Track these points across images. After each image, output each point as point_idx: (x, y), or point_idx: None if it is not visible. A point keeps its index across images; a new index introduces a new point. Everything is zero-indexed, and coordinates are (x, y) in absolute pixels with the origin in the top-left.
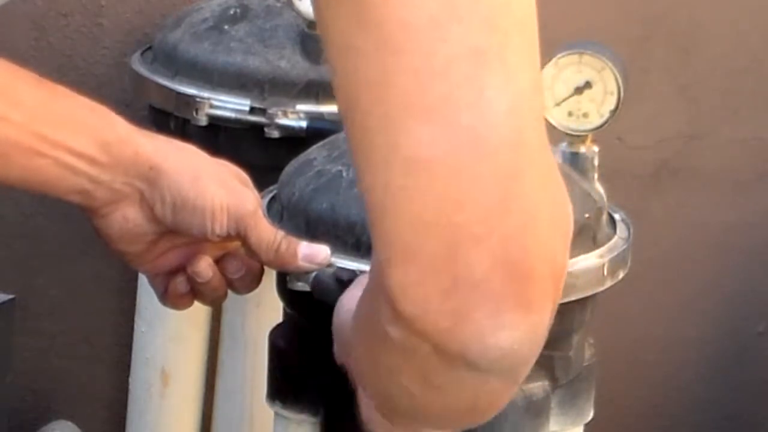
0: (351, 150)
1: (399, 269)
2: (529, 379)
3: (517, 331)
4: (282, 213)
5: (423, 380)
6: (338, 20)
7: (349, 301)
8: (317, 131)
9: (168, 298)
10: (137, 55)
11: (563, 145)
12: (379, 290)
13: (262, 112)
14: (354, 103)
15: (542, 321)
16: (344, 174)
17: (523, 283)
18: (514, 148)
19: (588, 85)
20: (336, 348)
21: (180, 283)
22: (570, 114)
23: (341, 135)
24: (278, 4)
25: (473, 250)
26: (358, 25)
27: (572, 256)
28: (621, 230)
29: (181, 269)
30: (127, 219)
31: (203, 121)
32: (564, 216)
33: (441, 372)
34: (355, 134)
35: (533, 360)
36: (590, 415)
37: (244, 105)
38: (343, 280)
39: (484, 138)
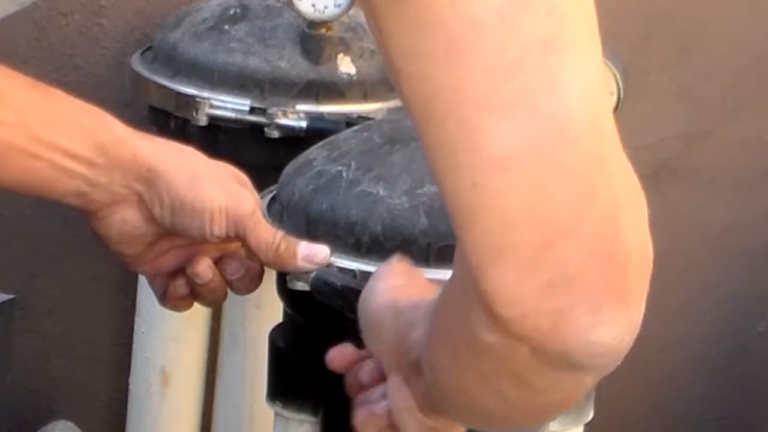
0: (429, 155)
1: (493, 272)
2: None
3: (616, 326)
4: (282, 213)
5: (519, 383)
6: (402, 27)
7: (385, 292)
8: (317, 131)
9: (168, 299)
10: (137, 55)
11: None
12: (469, 299)
13: (262, 112)
14: (428, 110)
15: (639, 312)
16: (344, 174)
17: (617, 274)
18: (594, 135)
19: None
20: (368, 338)
21: (180, 286)
22: None
23: (341, 135)
24: (278, 4)
25: (566, 243)
26: (424, 30)
27: None
28: None
29: (180, 270)
30: (125, 221)
31: (203, 121)
32: (643, 201)
33: (540, 373)
34: (432, 140)
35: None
36: (590, 415)
37: (244, 105)
38: (343, 284)
39: (565, 126)
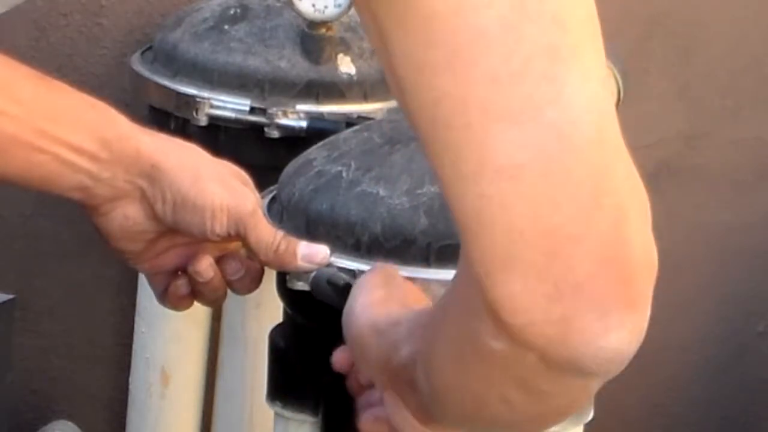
0: (434, 166)
1: (500, 281)
2: None
3: (624, 331)
4: (282, 213)
5: (526, 389)
6: (405, 37)
7: (365, 310)
8: (317, 131)
9: (168, 299)
10: (137, 55)
11: None
12: (475, 307)
13: (262, 112)
14: (432, 118)
15: (645, 316)
16: (344, 174)
17: (625, 280)
18: (599, 142)
19: None
20: (360, 362)
21: (181, 286)
22: None
23: (341, 135)
24: (278, 4)
25: (573, 251)
26: (428, 40)
27: None
28: None
29: (180, 269)
30: (127, 217)
31: (203, 121)
32: (648, 208)
33: (547, 379)
34: (437, 150)
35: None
36: (590, 415)
37: (244, 105)
38: (342, 284)
39: (570, 134)
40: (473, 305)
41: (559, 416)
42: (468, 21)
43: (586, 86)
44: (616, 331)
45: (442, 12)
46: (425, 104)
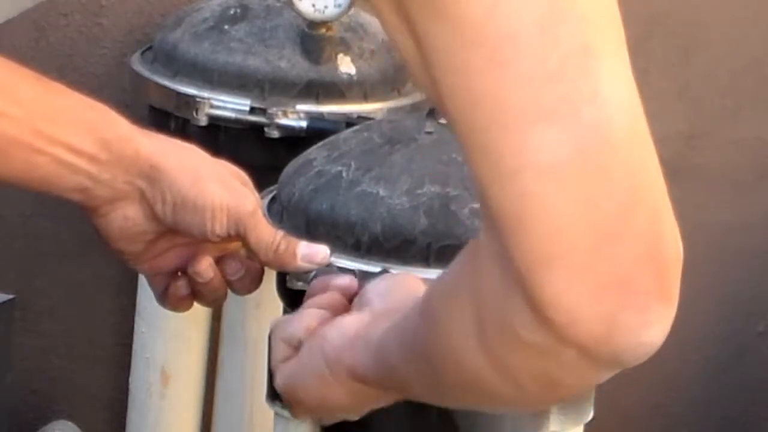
0: (471, 165)
1: (543, 279)
2: None
3: (662, 324)
4: (282, 213)
5: (545, 380)
6: (440, 40)
7: (349, 326)
8: (317, 131)
9: (168, 300)
10: (137, 55)
11: None
12: (511, 298)
13: (262, 112)
14: (470, 121)
15: (675, 308)
16: (344, 174)
17: (661, 275)
18: (634, 139)
19: None
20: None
21: (181, 287)
22: None
23: (341, 135)
24: (278, 4)
25: (615, 248)
26: (464, 43)
27: None
28: None
29: (180, 270)
30: (127, 218)
31: (203, 121)
32: (669, 203)
33: (581, 372)
34: (475, 149)
35: None
36: (590, 415)
37: (244, 105)
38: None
39: (608, 132)
40: (507, 294)
41: (559, 401)
42: (502, 25)
43: (618, 84)
44: (654, 326)
45: (478, 14)
46: (462, 106)
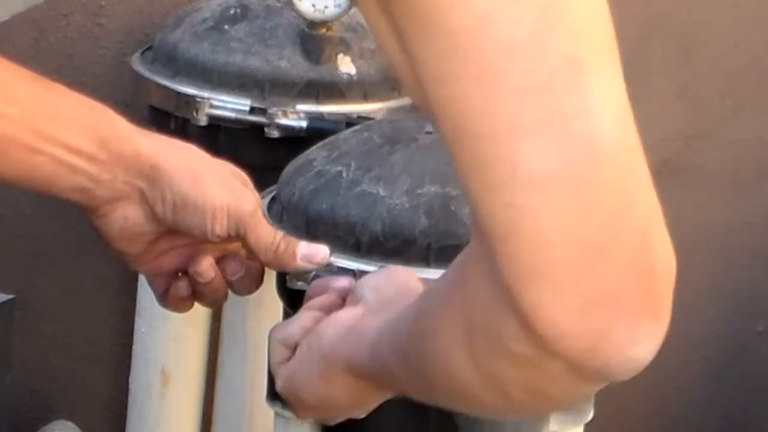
0: (462, 176)
1: (531, 292)
2: None
3: (652, 340)
4: (282, 213)
5: (532, 390)
6: (430, 50)
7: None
8: (317, 131)
9: (168, 300)
10: (137, 55)
11: None
12: (498, 306)
13: (262, 112)
14: (460, 131)
15: (667, 324)
16: (344, 174)
17: (651, 290)
18: (624, 152)
19: None
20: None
21: (181, 287)
22: None
23: (341, 135)
24: (278, 4)
25: (603, 262)
26: (454, 53)
27: None
28: None
29: (180, 270)
30: (127, 218)
31: (203, 121)
32: (661, 216)
33: (569, 385)
34: (465, 161)
35: None
36: (590, 415)
37: (244, 105)
38: None
39: (597, 146)
40: (495, 304)
41: (550, 413)
42: (493, 35)
43: (608, 97)
44: (644, 341)
45: (468, 26)
46: (452, 117)
